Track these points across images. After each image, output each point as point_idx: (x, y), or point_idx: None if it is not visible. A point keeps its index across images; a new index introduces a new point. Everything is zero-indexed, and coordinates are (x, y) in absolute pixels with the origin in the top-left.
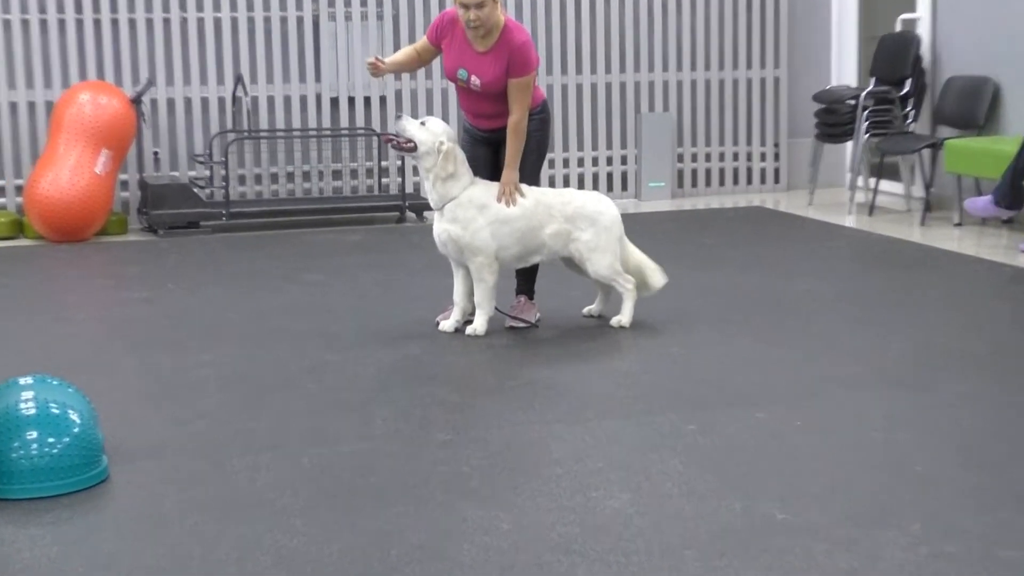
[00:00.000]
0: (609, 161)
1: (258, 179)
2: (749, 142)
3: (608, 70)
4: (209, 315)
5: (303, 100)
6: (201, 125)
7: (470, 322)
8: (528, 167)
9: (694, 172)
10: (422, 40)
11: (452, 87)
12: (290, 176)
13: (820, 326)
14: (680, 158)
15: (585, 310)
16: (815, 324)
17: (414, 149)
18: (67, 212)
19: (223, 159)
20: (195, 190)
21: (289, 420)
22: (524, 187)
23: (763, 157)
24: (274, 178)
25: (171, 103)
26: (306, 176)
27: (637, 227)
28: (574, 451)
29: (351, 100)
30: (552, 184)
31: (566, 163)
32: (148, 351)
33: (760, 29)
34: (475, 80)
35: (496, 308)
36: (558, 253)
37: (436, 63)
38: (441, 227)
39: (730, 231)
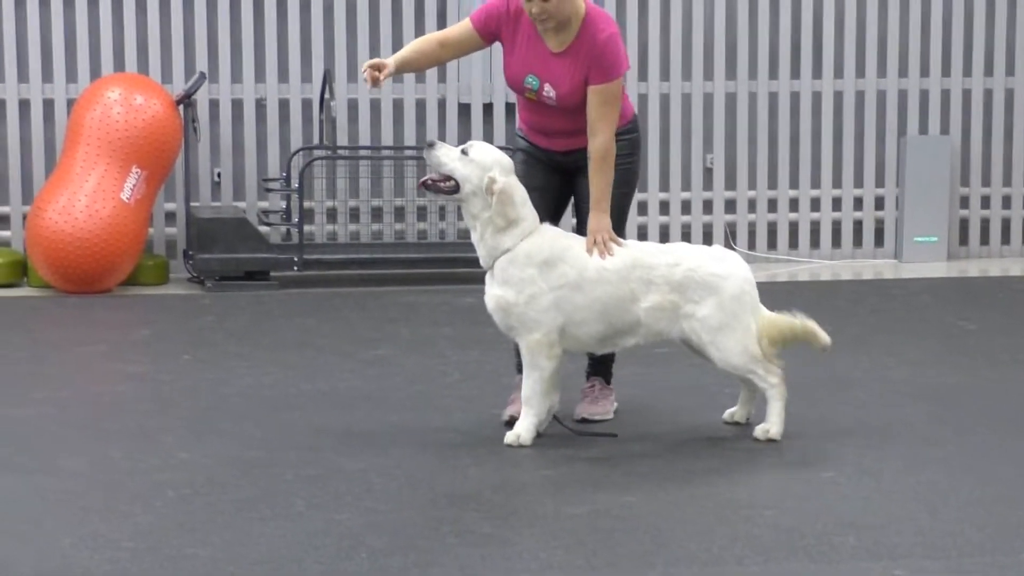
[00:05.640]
0: (857, 205)
1: (354, 215)
2: None
3: (861, 72)
4: (214, 400)
5: (420, 106)
6: (278, 138)
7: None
8: (611, 207)
9: (984, 223)
10: (459, 27)
11: None
12: (399, 212)
13: None
14: (964, 202)
15: (726, 414)
16: None
17: (456, 190)
18: (81, 252)
19: (302, 186)
20: (261, 228)
21: (248, 547)
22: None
23: None
24: (376, 214)
25: (236, 107)
26: (420, 213)
27: (876, 299)
28: None
29: (487, 107)
30: (770, 243)
31: (774, 206)
32: (108, 445)
33: None
34: (549, 91)
35: (555, 417)
36: (662, 334)
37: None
38: (491, 293)
39: (1013, 309)
